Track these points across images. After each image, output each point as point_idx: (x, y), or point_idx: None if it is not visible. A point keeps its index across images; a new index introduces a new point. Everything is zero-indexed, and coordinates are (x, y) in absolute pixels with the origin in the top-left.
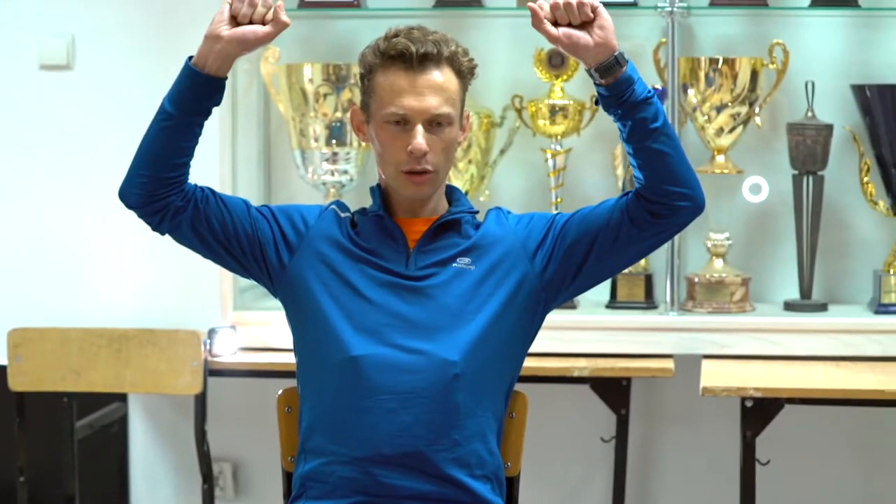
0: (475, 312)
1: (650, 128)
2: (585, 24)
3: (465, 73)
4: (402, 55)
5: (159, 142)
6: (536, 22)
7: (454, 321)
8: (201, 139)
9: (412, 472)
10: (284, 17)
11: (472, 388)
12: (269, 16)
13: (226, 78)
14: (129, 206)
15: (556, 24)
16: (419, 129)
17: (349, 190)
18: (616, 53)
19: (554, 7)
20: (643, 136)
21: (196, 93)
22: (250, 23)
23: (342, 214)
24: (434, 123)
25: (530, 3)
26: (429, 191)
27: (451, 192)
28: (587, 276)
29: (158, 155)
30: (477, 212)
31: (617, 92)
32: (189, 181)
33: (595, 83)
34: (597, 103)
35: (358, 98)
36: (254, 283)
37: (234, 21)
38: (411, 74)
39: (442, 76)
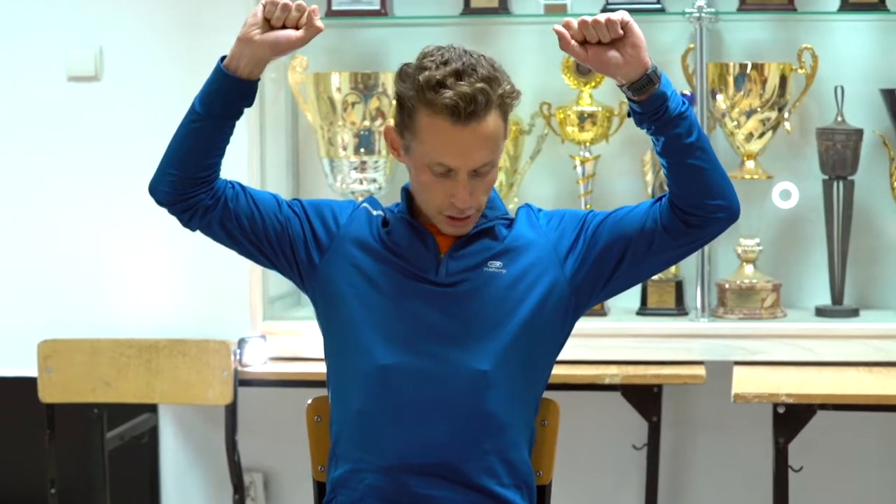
0: (506, 319)
1: (685, 143)
2: (616, 42)
3: (510, 111)
4: (451, 111)
5: (188, 141)
6: (564, 45)
7: (485, 329)
8: (229, 149)
9: (442, 481)
10: (319, 23)
11: (503, 397)
12: (303, 20)
13: (258, 80)
14: (159, 202)
15: (585, 42)
16: (464, 179)
17: (377, 199)
18: (649, 70)
19: (583, 25)
20: (678, 151)
21: (227, 95)
22: (283, 26)
23: (374, 213)
24: (479, 171)
25: (556, 27)
26: (469, 229)
27: None
28: (618, 282)
29: (188, 154)
30: (512, 219)
31: (650, 108)
32: (220, 178)
33: (628, 99)
34: (629, 116)
35: (386, 107)
36: (284, 293)
37: (268, 24)
38: (458, 128)
39: (489, 124)
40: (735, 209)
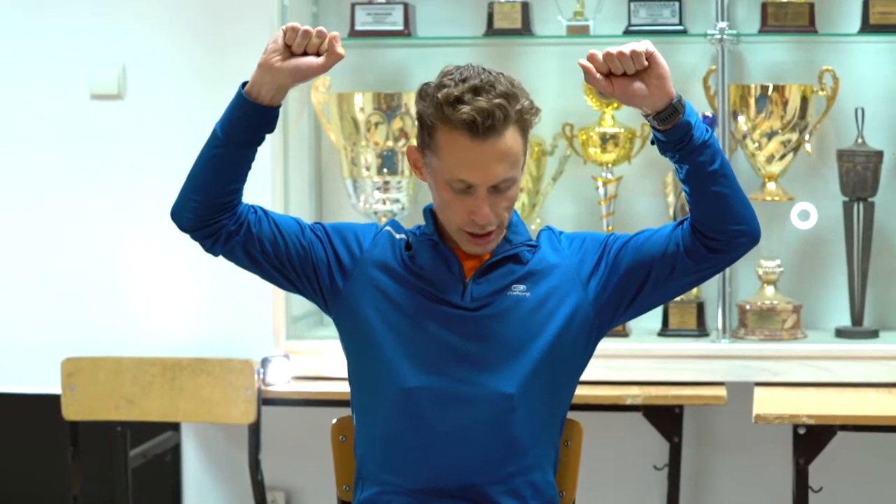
0: (530, 342)
1: (708, 171)
2: (640, 73)
3: (529, 128)
4: (468, 125)
5: (212, 168)
6: (590, 78)
7: (509, 352)
8: (252, 169)
9: (467, 503)
10: (340, 49)
11: (528, 420)
12: (324, 46)
13: (279, 106)
14: (182, 228)
15: (610, 73)
16: (483, 195)
17: (401, 219)
18: (674, 100)
19: (608, 58)
20: (701, 179)
21: (249, 122)
22: (304, 53)
23: (397, 236)
24: (498, 187)
25: (581, 61)
26: (491, 247)
27: None
28: (641, 304)
29: (210, 181)
30: (536, 245)
31: (675, 137)
32: (243, 202)
33: (653, 128)
34: (652, 143)
35: (409, 127)
36: (307, 312)
37: (289, 50)
38: (477, 143)
39: (508, 140)
40: (756, 233)
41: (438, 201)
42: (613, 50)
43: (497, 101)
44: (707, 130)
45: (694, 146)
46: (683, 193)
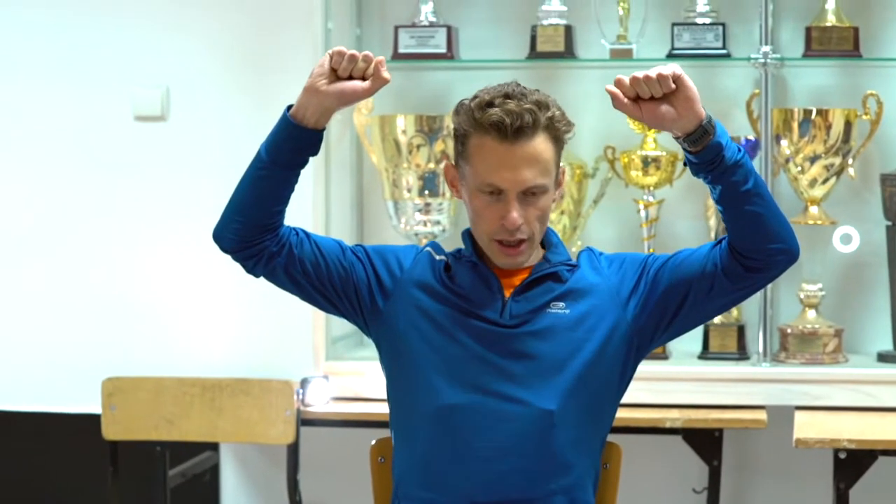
0: (570, 359)
1: (742, 190)
2: (668, 96)
3: (560, 137)
4: (497, 127)
5: (255, 190)
6: (618, 104)
7: (549, 369)
8: (295, 190)
9: None
10: (386, 74)
11: (569, 437)
12: (370, 71)
13: (323, 129)
14: (224, 249)
15: (638, 97)
16: (514, 201)
17: (442, 241)
18: (704, 122)
19: (634, 83)
20: (735, 199)
21: (294, 145)
22: (350, 77)
23: (437, 257)
24: (528, 193)
25: (608, 87)
26: (522, 260)
27: (548, 236)
28: (680, 324)
29: (254, 202)
30: (575, 265)
31: (706, 159)
32: (284, 224)
33: (684, 150)
34: (685, 165)
35: (451, 149)
36: (347, 333)
37: (334, 74)
38: (506, 146)
39: (538, 146)
40: (794, 251)
41: (471, 212)
42: (640, 74)
43: (527, 106)
44: (739, 150)
45: (726, 166)
46: (721, 216)
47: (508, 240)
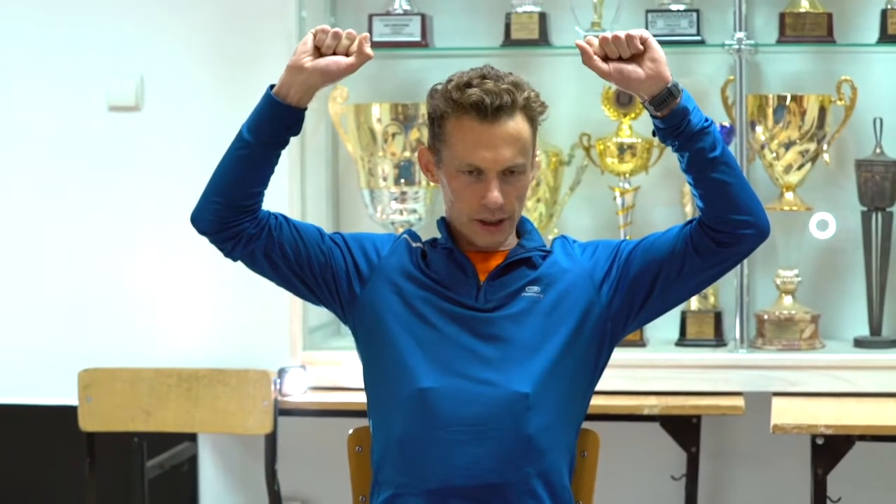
0: (545, 343)
1: (708, 157)
2: (636, 57)
3: (536, 118)
4: (476, 106)
5: (235, 169)
6: (586, 59)
7: (525, 352)
8: (270, 180)
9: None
10: (368, 49)
11: (544, 420)
12: (353, 48)
13: (306, 108)
14: (202, 231)
15: (607, 59)
16: (494, 180)
17: (418, 229)
18: (670, 84)
19: (603, 42)
20: (702, 166)
21: (276, 122)
22: (333, 54)
23: (414, 244)
24: (508, 173)
25: (578, 41)
26: (502, 238)
27: (522, 224)
28: (653, 306)
29: (234, 182)
30: (549, 251)
31: (672, 123)
32: (263, 208)
33: (651, 115)
34: (654, 135)
35: (426, 138)
36: (324, 323)
37: (318, 52)
38: (485, 126)
39: (516, 125)
40: (763, 226)
41: (449, 193)
42: (609, 34)
43: (505, 86)
44: (707, 120)
45: (692, 132)
46: (691, 190)
47: (490, 219)
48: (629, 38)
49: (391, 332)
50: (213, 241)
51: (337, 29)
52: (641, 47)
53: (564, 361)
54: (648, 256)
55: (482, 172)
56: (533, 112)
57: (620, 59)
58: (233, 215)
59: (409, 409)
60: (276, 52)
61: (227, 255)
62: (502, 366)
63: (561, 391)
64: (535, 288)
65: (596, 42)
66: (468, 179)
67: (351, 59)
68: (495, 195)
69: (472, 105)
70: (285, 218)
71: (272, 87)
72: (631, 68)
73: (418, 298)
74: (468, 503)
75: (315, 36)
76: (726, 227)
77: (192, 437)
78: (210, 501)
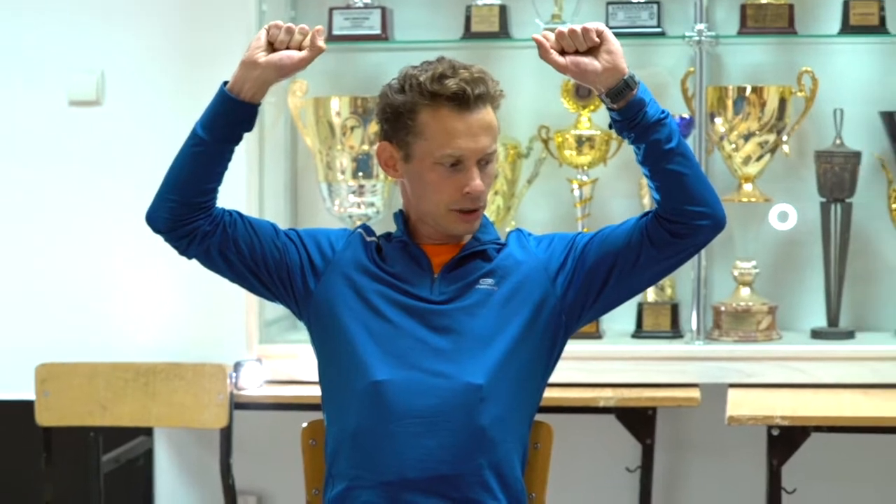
0: (498, 334)
1: (664, 149)
2: (593, 50)
3: (498, 107)
4: (456, 96)
5: (190, 166)
6: (543, 53)
7: (478, 344)
8: (229, 173)
9: (437, 496)
10: (321, 43)
11: (497, 412)
12: (306, 42)
13: (259, 104)
14: (157, 230)
15: (563, 52)
16: (474, 168)
17: (375, 222)
18: (626, 77)
19: (559, 36)
20: (658, 157)
21: (230, 118)
22: (287, 49)
23: (368, 238)
24: (483, 162)
25: (535, 35)
26: (477, 225)
27: None
28: (608, 298)
29: (188, 179)
30: (504, 244)
31: (629, 115)
32: (217, 206)
33: (607, 107)
34: (611, 128)
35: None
36: (280, 316)
37: (272, 47)
38: (465, 115)
39: (489, 114)
40: (719, 217)
41: (422, 187)
42: (565, 28)
43: (477, 76)
44: (663, 112)
45: (648, 123)
46: (647, 182)
47: (470, 207)
48: (585, 31)
49: (345, 325)
50: (168, 239)
51: (290, 24)
52: (598, 40)
53: (518, 353)
54: (604, 248)
55: (461, 162)
56: (497, 101)
57: (578, 53)
58: (187, 213)
59: (363, 402)
60: (236, 45)
61: (182, 252)
62: (456, 357)
63: (514, 383)
64: (490, 280)
65: (552, 36)
66: (447, 171)
67: (304, 53)
68: (478, 182)
69: (452, 95)
70: (240, 215)
71: (226, 83)
72: (587, 61)
73: (372, 292)
74: (421, 495)
75: (268, 31)
76: (682, 218)
77: (149, 432)
78: (165, 496)
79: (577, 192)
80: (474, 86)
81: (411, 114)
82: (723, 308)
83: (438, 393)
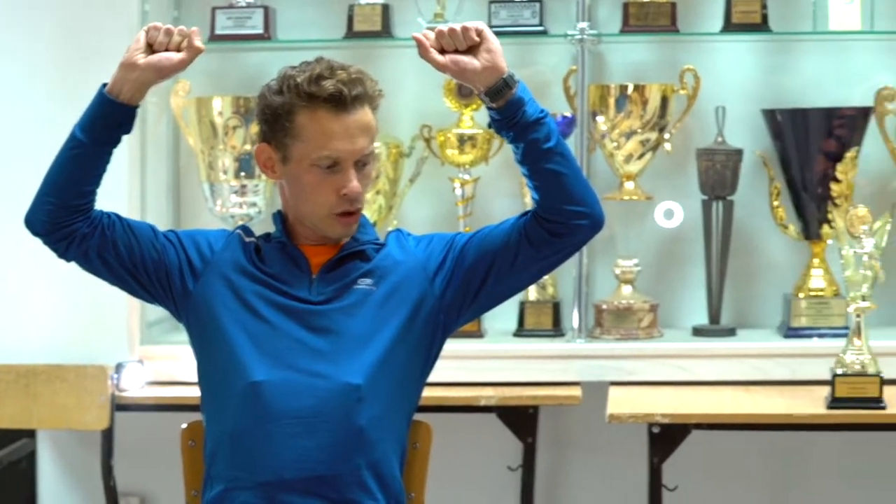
0: (377, 334)
1: (543, 148)
2: (473, 49)
3: (377, 108)
4: (333, 98)
5: (68, 169)
6: (423, 51)
7: (356, 344)
8: (111, 172)
9: (315, 496)
10: (198, 43)
11: (375, 412)
12: (185, 44)
13: (138, 106)
14: (35, 232)
15: (443, 51)
16: (351, 170)
17: (257, 222)
18: (505, 75)
19: (439, 35)
20: (537, 156)
21: (109, 121)
22: (166, 50)
23: (247, 239)
24: (361, 163)
25: (415, 34)
26: (356, 227)
27: None
28: (486, 298)
29: (66, 182)
30: (383, 244)
31: (508, 114)
32: (95, 208)
33: (487, 106)
34: (490, 126)
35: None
36: (162, 317)
37: (150, 49)
38: (342, 116)
39: (366, 114)
40: (598, 217)
41: (301, 189)
42: (445, 28)
43: (355, 76)
44: (542, 111)
45: (527, 122)
46: (526, 182)
47: (349, 209)
48: (465, 30)
49: (223, 326)
50: (47, 242)
51: (169, 26)
52: (477, 39)
53: (396, 353)
54: (482, 248)
55: (338, 164)
56: (375, 101)
57: (458, 51)
58: (66, 215)
59: (240, 402)
60: (117, 45)
61: (60, 255)
62: (334, 358)
63: (392, 382)
64: (368, 280)
65: (433, 35)
66: (324, 173)
67: (182, 55)
68: (355, 184)
69: (329, 97)
70: (118, 217)
71: (104, 85)
72: (466, 60)
73: (251, 292)
74: (299, 496)
75: (147, 33)
76: (560, 217)
77: (31, 434)
78: (48, 498)
79: (459, 191)
80: (352, 87)
81: (289, 115)
82: (604, 306)
83: (316, 393)
